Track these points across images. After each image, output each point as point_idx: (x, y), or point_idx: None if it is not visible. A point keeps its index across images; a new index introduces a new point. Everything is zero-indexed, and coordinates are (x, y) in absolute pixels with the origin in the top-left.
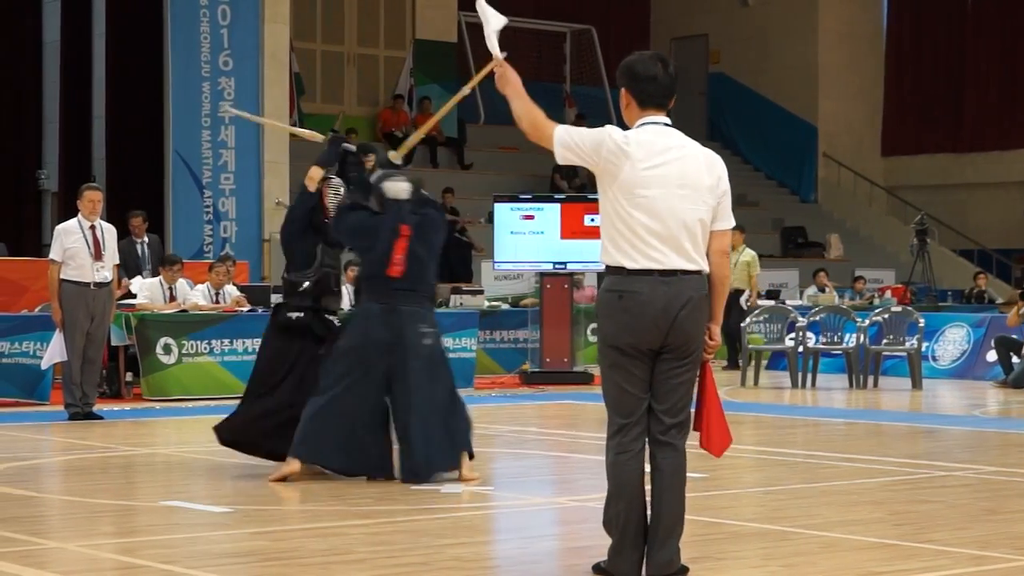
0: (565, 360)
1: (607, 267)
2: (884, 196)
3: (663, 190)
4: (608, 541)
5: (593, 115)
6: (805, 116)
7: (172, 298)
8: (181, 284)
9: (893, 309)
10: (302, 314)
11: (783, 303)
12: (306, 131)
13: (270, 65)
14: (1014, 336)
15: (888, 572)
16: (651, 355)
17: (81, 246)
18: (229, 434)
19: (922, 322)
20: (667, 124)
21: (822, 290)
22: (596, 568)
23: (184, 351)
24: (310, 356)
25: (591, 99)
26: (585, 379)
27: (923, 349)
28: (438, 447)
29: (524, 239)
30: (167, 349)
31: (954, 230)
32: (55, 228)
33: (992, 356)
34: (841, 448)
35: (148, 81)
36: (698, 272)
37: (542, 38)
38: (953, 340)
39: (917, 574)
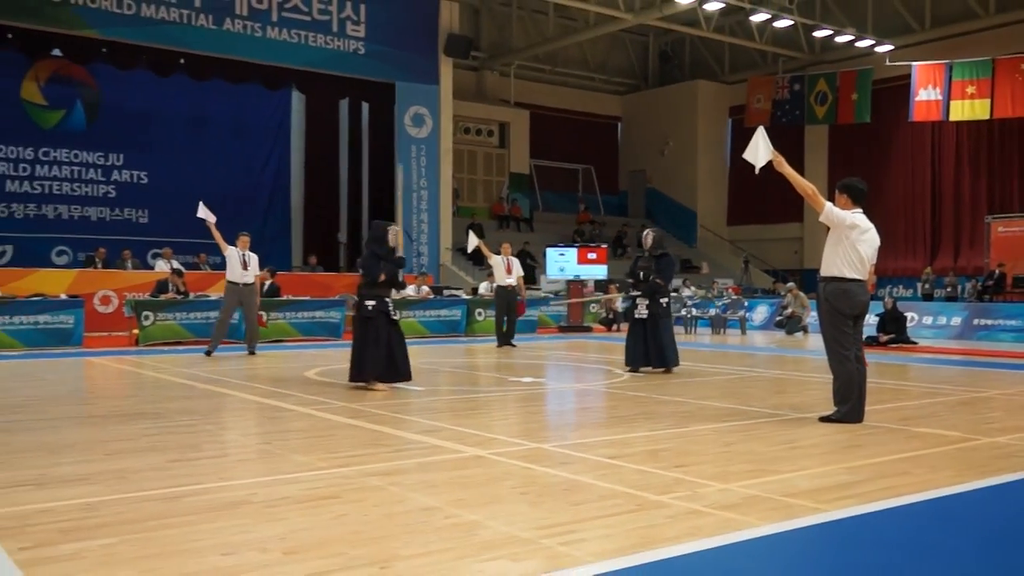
0: (579, 320)
1: (833, 277)
2: (728, 245)
3: (868, 245)
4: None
5: (593, 212)
6: (691, 207)
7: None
8: None
9: (732, 297)
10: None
11: (680, 295)
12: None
13: (443, 184)
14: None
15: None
16: (854, 318)
17: (236, 263)
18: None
19: (746, 303)
20: (864, 213)
21: (700, 288)
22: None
23: (404, 315)
24: None
25: (592, 203)
26: (586, 329)
27: (746, 316)
28: None
29: (560, 265)
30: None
31: (761, 260)
32: (227, 253)
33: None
34: (710, 361)
35: (385, 193)
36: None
37: (565, 171)
38: (761, 312)
39: (711, 423)
